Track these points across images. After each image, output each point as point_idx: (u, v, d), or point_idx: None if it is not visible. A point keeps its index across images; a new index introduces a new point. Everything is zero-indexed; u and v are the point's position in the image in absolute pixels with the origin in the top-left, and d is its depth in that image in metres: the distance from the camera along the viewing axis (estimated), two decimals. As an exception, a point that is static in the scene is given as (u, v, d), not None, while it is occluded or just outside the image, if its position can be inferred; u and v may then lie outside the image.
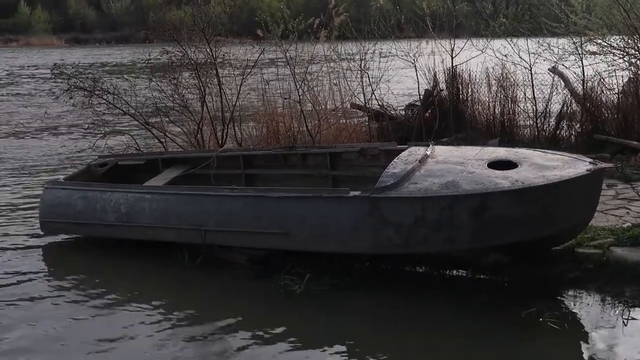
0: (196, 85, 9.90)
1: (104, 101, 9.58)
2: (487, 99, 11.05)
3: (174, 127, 10.20)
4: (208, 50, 9.80)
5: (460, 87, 11.13)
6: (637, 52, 9.74)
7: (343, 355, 5.03)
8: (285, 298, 5.95)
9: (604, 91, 10.42)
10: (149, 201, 6.92)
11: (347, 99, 10.90)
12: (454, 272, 6.36)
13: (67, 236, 7.71)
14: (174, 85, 9.84)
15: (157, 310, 5.86)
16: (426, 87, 11.22)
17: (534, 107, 10.68)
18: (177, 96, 9.88)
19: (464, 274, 6.33)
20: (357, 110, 11.30)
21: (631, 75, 10.39)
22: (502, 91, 10.85)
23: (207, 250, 6.76)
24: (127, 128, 10.88)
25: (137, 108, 9.79)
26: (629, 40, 9.76)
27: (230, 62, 10.33)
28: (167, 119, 10.05)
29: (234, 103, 10.05)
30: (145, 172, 8.23)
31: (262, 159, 8.15)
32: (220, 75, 9.98)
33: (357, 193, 5.97)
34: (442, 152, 6.44)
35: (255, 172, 8.16)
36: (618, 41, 10.04)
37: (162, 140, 10.00)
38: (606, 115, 10.42)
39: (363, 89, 10.59)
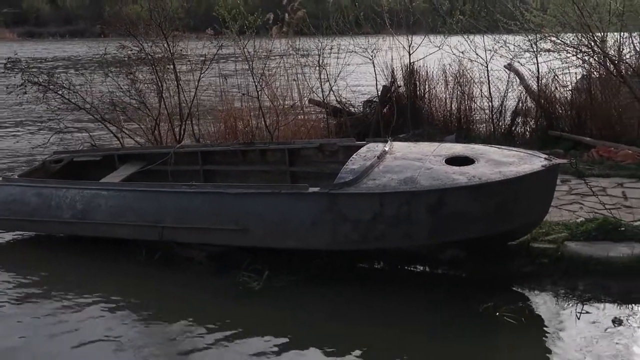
0: (153, 80, 9.78)
1: (58, 96, 9.40)
2: (444, 96, 11.13)
3: (131, 123, 10.07)
4: (165, 45, 9.69)
5: (418, 84, 11.19)
6: (589, 50, 9.88)
7: (303, 352, 5.02)
8: (244, 295, 5.91)
9: (558, 88, 10.57)
10: (105, 198, 6.82)
11: (305, 95, 10.90)
12: (412, 267, 6.40)
13: (21, 233, 7.57)
14: (130, 80, 9.71)
15: (114, 309, 5.77)
16: (384, 84, 11.24)
17: (490, 103, 10.79)
18: (134, 91, 9.75)
19: (422, 270, 6.36)
20: (316, 107, 11.28)
21: (584, 73, 10.56)
22: (459, 88, 10.95)
23: (165, 247, 6.70)
24: (83, 124, 10.70)
25: (93, 103, 9.64)
26: (582, 38, 9.89)
27: (187, 58, 10.23)
28: (123, 115, 9.91)
29: (191, 99, 9.96)
30: (101, 168, 8.11)
31: (220, 155, 8.09)
32: (178, 70, 9.88)
33: (315, 189, 5.96)
34: (400, 148, 6.46)
35: (214, 168, 8.09)
36: (571, 39, 10.17)
37: (119, 136, 9.86)
38: (560, 111, 10.57)
39: (321, 85, 10.58)
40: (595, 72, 10.43)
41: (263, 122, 9.97)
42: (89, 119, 10.02)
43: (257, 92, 9.96)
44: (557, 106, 10.59)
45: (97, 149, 9.01)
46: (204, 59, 10.09)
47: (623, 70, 10.16)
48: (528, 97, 10.82)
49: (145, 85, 9.84)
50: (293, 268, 6.30)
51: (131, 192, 6.77)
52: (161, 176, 7.82)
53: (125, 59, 9.72)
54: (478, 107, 10.98)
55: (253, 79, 10.01)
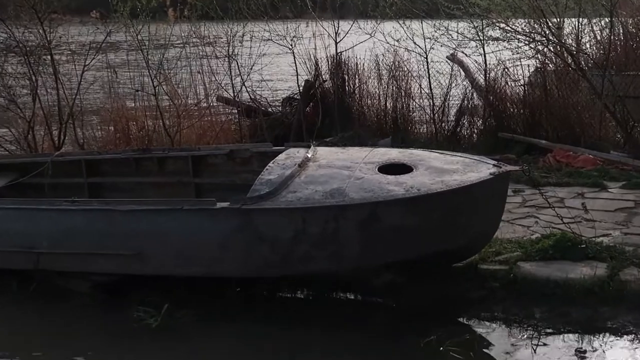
0: (26, 74, 9.57)
1: None
2: (378, 92, 11.25)
3: (-1, 126, 9.87)
4: (40, 31, 9.50)
5: (347, 78, 11.28)
6: (543, 39, 10.10)
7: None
8: (139, 334, 5.82)
9: (509, 83, 10.77)
10: (-33, 218, 6.63)
11: (212, 91, 10.87)
12: (342, 295, 6.41)
13: None
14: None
15: (-22, 354, 5.60)
16: (307, 78, 11.29)
17: (431, 101, 10.96)
18: (1, 88, 9.52)
19: (354, 298, 6.38)
20: (225, 105, 11.27)
21: (538, 65, 10.80)
22: (395, 82, 11.08)
23: (42, 277, 6.55)
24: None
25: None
26: (535, 25, 10.09)
27: (68, 46, 10.06)
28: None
29: (73, 97, 9.80)
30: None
31: (109, 164, 7.97)
32: (57, 62, 9.70)
33: (225, 204, 5.93)
34: (326, 155, 6.50)
35: (101, 180, 7.97)
36: (523, 25, 10.38)
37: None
38: (511, 110, 10.78)
39: (232, 79, 10.58)
40: (550, 65, 10.66)
41: (162, 124, 9.86)
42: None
43: (154, 88, 9.85)
44: (507, 104, 10.78)
45: (-44, 159, 8.75)
46: (88, 48, 9.92)
47: (582, 63, 10.44)
48: (474, 94, 10.99)
49: (16, 80, 9.61)
50: (199, 300, 6.23)
51: (-1, 211, 6.58)
52: (36, 191, 7.64)
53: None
54: (417, 106, 11.12)
55: (149, 72, 9.90)
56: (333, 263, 5.88)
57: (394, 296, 6.23)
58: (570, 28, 10.93)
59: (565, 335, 5.61)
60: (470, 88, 11.04)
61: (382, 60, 11.15)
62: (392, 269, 6.22)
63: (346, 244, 5.77)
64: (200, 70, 10.76)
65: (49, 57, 9.63)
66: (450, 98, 10.99)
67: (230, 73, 10.56)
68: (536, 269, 6.10)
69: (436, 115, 10.96)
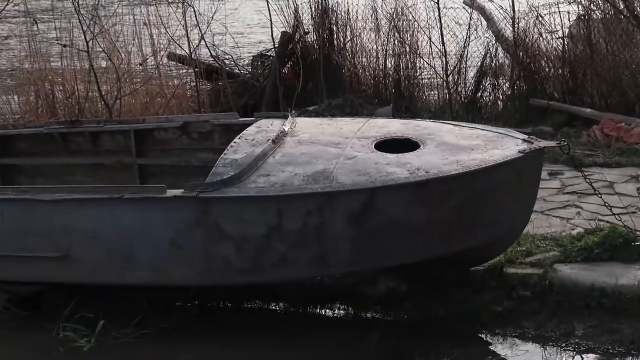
0: None
1: None
2: (376, 48, 11.21)
3: None
4: None
5: (335, 29, 11.24)
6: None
7: None
8: (67, 358, 5.81)
9: (543, 35, 10.69)
10: None
11: (162, 47, 10.84)
12: (328, 309, 6.43)
13: None
14: None
15: None
16: (283, 29, 11.24)
17: (444, 59, 10.84)
18: None
19: (344, 312, 6.40)
20: (179, 65, 11.26)
21: (581, 12, 10.76)
22: (397, 36, 11.01)
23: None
24: None
25: None
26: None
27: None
28: None
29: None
30: None
31: (27, 141, 7.90)
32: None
33: (178, 192, 5.89)
34: (309, 128, 6.48)
35: (18, 162, 7.93)
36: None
37: None
38: (547, 70, 10.72)
39: (187, 31, 10.52)
40: (597, 12, 10.63)
41: (97, 90, 9.80)
42: None
43: (87, 43, 9.78)
44: (542, 62, 10.72)
45: None
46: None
47: (638, 9, 10.38)
48: (499, 49, 10.95)
49: None
50: (146, 315, 6.21)
51: None
52: None
53: None
54: (426, 65, 11.08)
55: (80, 21, 9.82)
56: (318, 268, 5.89)
57: (394, 310, 6.25)
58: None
59: (615, 357, 5.61)
60: (494, 42, 11.01)
61: (381, 6, 11.13)
62: (393, 276, 6.26)
63: (334, 244, 5.73)
64: (147, 22, 10.68)
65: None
66: (469, 55, 10.92)
67: (186, 24, 10.48)
68: (578, 274, 6.07)
69: (450, 77, 10.90)
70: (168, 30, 10.69)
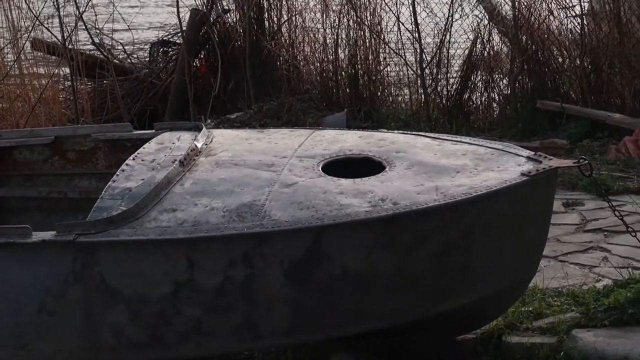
0: None
1: None
2: (322, 31, 10.81)
3: None
4: None
5: (266, 5, 10.80)
6: None
7: None
8: None
9: (554, 12, 10.22)
10: None
11: (25, 32, 10.37)
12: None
13: None
14: None
15: None
16: (194, 6, 10.78)
17: (417, 45, 10.22)
18: None
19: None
20: (48, 56, 10.76)
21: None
22: (353, 14, 10.51)
23: None
24: None
25: None
26: None
27: None
28: None
29: None
30: None
31: None
32: None
33: (48, 235, 5.17)
34: (230, 144, 5.98)
35: None
36: None
37: None
38: (560, 60, 10.28)
39: (59, 10, 9.82)
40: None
41: None
42: None
43: None
44: (553, 49, 10.20)
45: None
46: None
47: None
48: (495, 32, 10.47)
49: None
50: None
51: None
52: None
53: None
54: (393, 55, 10.60)
55: None
56: (244, 340, 5.23)
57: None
58: None
59: None
60: (486, 22, 10.51)
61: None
62: (347, 348, 5.72)
63: (267, 306, 5.09)
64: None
65: None
66: (452, 41, 10.47)
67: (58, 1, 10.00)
68: (605, 342, 5.45)
69: (427, 70, 10.40)
70: (31, 6, 10.10)
